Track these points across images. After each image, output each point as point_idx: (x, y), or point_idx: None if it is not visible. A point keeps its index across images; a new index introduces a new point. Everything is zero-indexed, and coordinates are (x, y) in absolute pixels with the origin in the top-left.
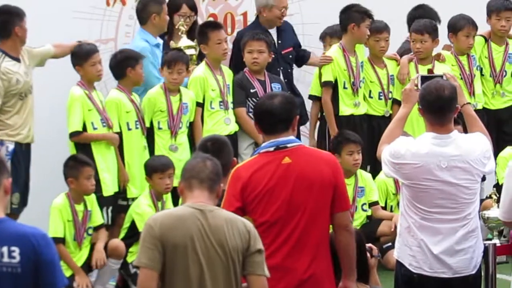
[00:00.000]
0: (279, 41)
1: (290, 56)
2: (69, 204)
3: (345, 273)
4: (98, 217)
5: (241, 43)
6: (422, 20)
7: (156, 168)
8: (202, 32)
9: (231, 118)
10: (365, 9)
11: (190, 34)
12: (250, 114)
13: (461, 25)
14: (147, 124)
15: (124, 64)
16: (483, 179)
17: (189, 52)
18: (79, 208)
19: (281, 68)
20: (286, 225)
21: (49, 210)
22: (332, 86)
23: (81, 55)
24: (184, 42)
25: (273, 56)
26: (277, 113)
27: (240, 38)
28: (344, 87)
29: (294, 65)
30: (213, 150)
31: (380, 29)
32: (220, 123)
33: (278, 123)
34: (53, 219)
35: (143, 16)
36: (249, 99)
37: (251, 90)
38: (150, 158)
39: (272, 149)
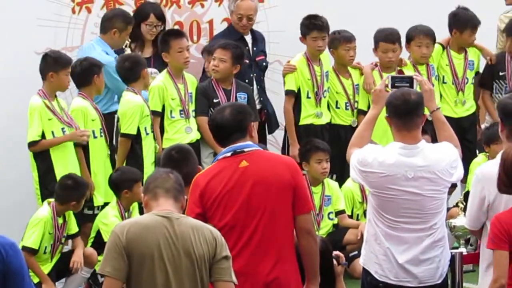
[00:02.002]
0: (254, 48)
1: (264, 64)
2: (52, 217)
3: (308, 278)
4: (73, 225)
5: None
6: (387, 29)
7: (139, 178)
8: (164, 40)
9: (193, 126)
10: (311, 21)
11: (155, 43)
12: None
13: (412, 35)
14: (134, 132)
15: (91, 72)
16: (454, 186)
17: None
18: (60, 220)
19: (255, 74)
20: (246, 229)
21: (10, 219)
22: (295, 95)
23: (61, 62)
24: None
25: (247, 62)
26: (229, 125)
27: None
28: (308, 97)
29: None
30: (178, 159)
31: (350, 39)
32: (181, 131)
33: (232, 134)
34: (35, 230)
35: (106, 25)
36: (211, 109)
37: (214, 100)
38: (123, 171)
39: (229, 154)
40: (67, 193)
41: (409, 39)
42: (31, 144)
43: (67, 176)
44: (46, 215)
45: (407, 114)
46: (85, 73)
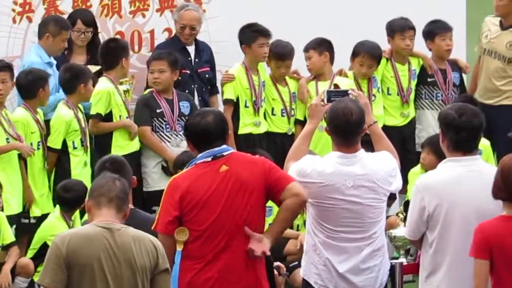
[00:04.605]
0: (196, 59)
1: (207, 76)
2: None
3: (271, 231)
4: (7, 235)
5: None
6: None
7: (87, 189)
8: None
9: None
10: (259, 28)
11: (89, 51)
12: (156, 134)
13: (358, 52)
14: (59, 146)
15: (36, 85)
16: (394, 197)
17: (122, 87)
18: None
19: (196, 86)
20: (226, 233)
21: None
22: (233, 104)
23: None
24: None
25: (188, 72)
26: (213, 131)
27: None
28: (246, 106)
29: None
30: (112, 170)
31: (282, 57)
32: (128, 138)
33: (215, 140)
34: None
35: (41, 30)
36: (155, 118)
37: (157, 110)
38: (74, 188)
39: (209, 159)
40: None
41: (353, 55)
42: None
43: None
44: None
45: (348, 134)
46: (30, 86)
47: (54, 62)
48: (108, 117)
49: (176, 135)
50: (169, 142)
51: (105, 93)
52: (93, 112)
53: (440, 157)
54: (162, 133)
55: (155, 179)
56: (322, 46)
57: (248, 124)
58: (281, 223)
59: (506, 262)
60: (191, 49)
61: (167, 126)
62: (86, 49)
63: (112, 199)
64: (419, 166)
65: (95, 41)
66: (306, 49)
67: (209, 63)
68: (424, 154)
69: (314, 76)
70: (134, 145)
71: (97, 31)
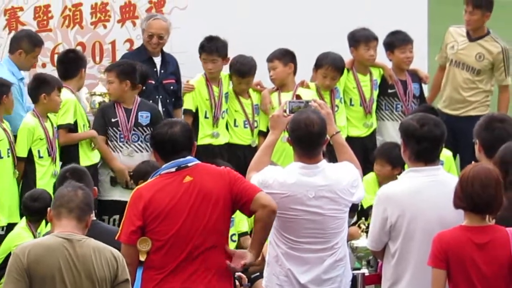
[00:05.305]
0: (162, 71)
1: (172, 88)
2: None
3: (252, 245)
4: None
5: None
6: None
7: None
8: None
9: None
10: (202, 44)
11: None
12: (110, 143)
13: (321, 64)
14: (24, 154)
15: (0, 92)
16: (355, 209)
17: (98, 99)
18: None
19: (161, 97)
20: (189, 243)
21: None
22: (193, 115)
23: None
24: (99, 88)
25: (152, 82)
26: (181, 141)
27: None
28: (205, 117)
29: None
30: (73, 180)
31: (243, 74)
32: (91, 149)
33: (182, 150)
34: None
35: (13, 45)
36: (110, 128)
37: (113, 120)
38: (41, 198)
39: (173, 169)
40: None
41: (316, 66)
42: None
43: None
44: None
45: (310, 145)
46: None
47: (25, 75)
48: (73, 127)
49: (129, 145)
50: (121, 152)
51: (72, 103)
52: (62, 122)
53: (394, 165)
54: (116, 143)
55: (106, 189)
56: (287, 57)
57: (208, 135)
58: (258, 236)
59: (462, 272)
60: (158, 60)
61: (122, 135)
62: None
63: (72, 210)
64: (372, 173)
65: None
66: (271, 59)
67: (174, 76)
68: (378, 166)
69: (277, 88)
70: (98, 155)
71: None
